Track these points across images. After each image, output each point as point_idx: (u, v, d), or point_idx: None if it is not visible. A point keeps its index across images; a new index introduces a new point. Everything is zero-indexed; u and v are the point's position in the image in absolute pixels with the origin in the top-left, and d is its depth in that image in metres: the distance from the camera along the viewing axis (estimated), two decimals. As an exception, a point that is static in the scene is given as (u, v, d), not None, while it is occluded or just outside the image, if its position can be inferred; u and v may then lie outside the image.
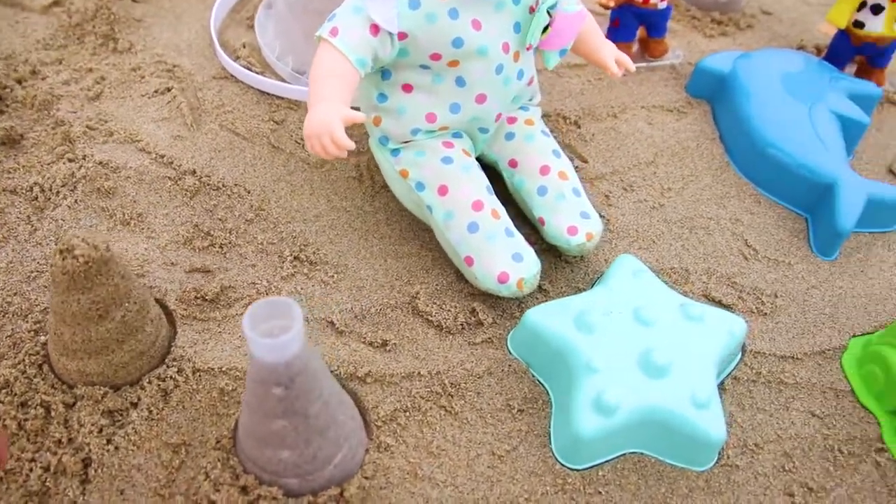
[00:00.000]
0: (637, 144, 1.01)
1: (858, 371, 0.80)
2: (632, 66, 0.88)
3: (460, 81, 0.78)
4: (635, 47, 1.14)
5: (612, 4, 1.06)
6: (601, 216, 0.91)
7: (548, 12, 0.77)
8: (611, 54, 0.87)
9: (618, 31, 1.10)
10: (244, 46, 1.08)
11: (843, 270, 0.90)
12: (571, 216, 0.81)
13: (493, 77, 0.78)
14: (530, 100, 0.90)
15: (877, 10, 1.03)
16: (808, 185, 0.93)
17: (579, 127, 1.01)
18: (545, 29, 0.79)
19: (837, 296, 0.87)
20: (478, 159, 0.88)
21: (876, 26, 1.04)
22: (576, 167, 0.95)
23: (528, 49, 0.80)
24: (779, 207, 0.96)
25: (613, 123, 1.03)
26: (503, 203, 0.82)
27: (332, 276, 0.82)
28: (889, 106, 1.13)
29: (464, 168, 0.81)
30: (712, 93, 1.07)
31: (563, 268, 0.86)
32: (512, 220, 0.80)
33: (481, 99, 0.79)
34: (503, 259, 0.77)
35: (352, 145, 0.68)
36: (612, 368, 0.70)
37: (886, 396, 0.76)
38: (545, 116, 1.01)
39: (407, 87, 0.79)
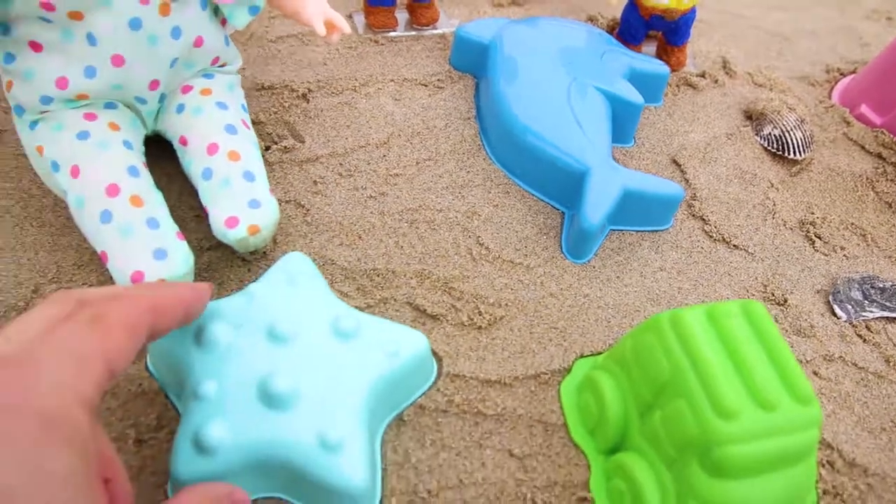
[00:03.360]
0: (372, 122, 0.84)
1: (576, 400, 0.65)
2: (345, 27, 0.74)
3: (91, 39, 0.61)
4: (400, 14, 0.98)
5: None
6: (300, 205, 0.75)
7: None
8: (317, 13, 0.73)
9: (374, -6, 0.94)
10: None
11: (594, 275, 0.75)
12: (234, 205, 0.65)
13: (129, 34, 0.62)
14: (222, 66, 0.74)
15: (662, -24, 0.90)
16: (559, 174, 0.78)
17: (307, 101, 0.85)
18: None
19: (579, 306, 0.72)
20: (158, 137, 0.72)
21: (662, -5, 0.91)
22: (286, 147, 0.79)
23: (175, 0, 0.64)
24: (532, 200, 0.81)
25: (351, 98, 0.86)
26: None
27: (-49, 273, 0.66)
28: (686, 89, 0.98)
29: (101, 145, 0.64)
30: (475, 66, 0.91)
31: (238, 266, 0.69)
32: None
33: (118, 61, 0.63)
34: (140, 255, 0.61)
35: None
36: (223, 396, 0.54)
37: (599, 433, 0.61)
38: (268, 88, 0.84)
39: (35, 46, 0.62)
